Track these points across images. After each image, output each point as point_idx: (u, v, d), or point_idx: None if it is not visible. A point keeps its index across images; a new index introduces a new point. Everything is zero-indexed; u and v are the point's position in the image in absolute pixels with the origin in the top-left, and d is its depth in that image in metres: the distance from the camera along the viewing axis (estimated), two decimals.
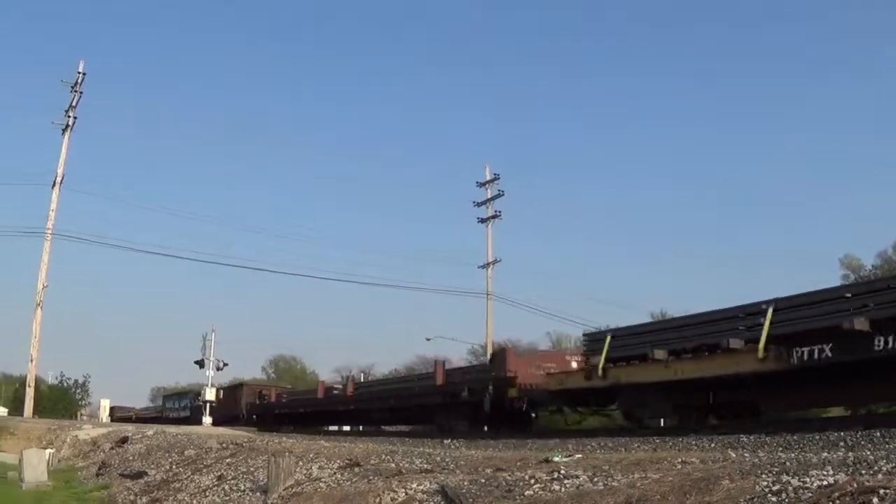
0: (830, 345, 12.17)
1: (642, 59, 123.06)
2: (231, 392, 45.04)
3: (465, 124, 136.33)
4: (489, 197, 48.44)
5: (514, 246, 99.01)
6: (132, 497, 16.48)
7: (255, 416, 39.06)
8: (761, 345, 13.16)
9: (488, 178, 48.66)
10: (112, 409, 69.73)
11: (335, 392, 33.67)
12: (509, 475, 9.50)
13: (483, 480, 9.52)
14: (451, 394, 23.42)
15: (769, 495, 6.30)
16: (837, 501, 5.67)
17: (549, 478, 8.85)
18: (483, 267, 47.43)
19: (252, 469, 15.55)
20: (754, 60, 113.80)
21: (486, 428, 22.02)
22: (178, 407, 54.34)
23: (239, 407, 40.34)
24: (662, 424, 17.12)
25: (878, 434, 10.10)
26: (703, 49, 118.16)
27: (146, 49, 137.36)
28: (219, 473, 16.18)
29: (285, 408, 36.61)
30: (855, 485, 5.92)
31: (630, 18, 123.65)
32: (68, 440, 28.71)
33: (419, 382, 27.80)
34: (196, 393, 51.05)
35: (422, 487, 9.92)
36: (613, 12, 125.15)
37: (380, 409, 28.52)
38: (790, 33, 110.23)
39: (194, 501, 14.45)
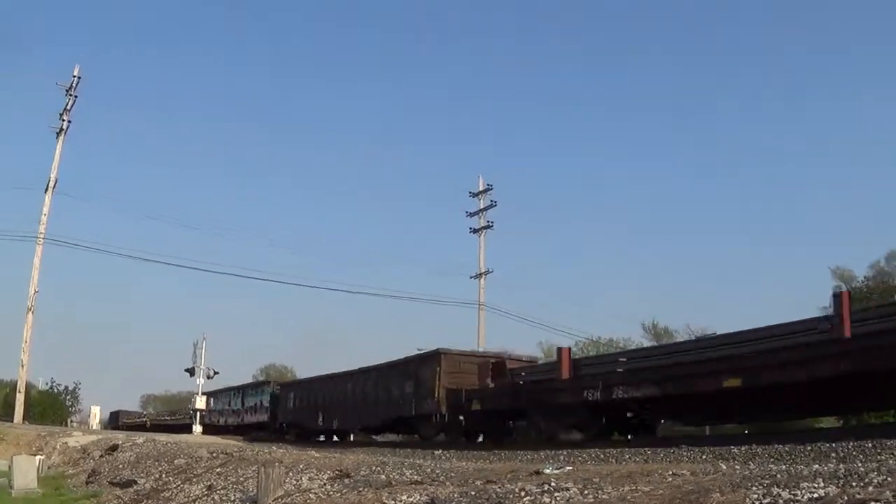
0: None
1: (652, 60, 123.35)
2: (392, 373, 25.38)
3: (461, 132, 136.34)
4: (482, 207, 48.44)
5: (505, 255, 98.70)
6: None
7: (472, 414, 21.17)
8: None
9: (481, 188, 48.67)
10: (116, 414, 66.77)
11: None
12: (499, 487, 9.44)
13: (473, 493, 9.46)
14: None
15: None
16: None
17: (539, 490, 8.79)
18: (475, 277, 47.25)
19: (242, 479, 15.42)
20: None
21: None
22: (241, 408, 36.94)
23: (425, 398, 22.77)
24: None
25: (870, 445, 10.10)
26: (701, 53, 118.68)
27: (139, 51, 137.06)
28: (209, 483, 16.06)
29: (632, 388, 16.06)
30: (846, 497, 5.90)
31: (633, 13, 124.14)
32: (58, 447, 28.57)
33: None
34: (278, 384, 36.70)
35: (412, 499, 9.85)
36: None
37: None
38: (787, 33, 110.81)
39: None
